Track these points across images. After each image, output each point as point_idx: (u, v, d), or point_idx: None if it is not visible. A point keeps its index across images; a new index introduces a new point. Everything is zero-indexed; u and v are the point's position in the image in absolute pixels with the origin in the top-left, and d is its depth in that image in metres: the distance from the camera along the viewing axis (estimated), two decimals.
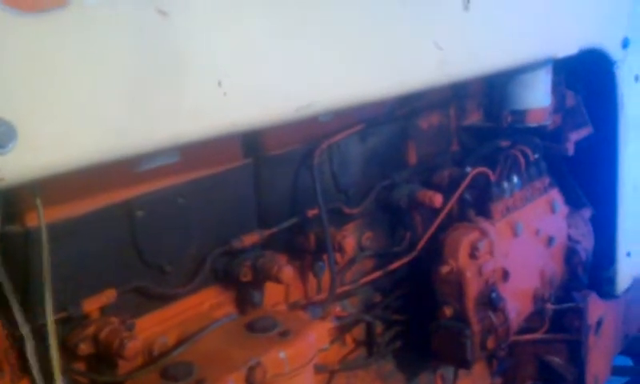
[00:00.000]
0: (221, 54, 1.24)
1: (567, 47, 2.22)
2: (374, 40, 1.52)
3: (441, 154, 2.32)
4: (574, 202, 2.66)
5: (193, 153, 1.53)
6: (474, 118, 2.45)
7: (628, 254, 2.78)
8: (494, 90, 2.39)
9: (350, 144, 1.96)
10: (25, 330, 1.26)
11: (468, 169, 2.17)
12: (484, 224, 2.06)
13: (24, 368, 1.31)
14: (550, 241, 2.35)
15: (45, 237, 1.23)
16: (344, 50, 1.46)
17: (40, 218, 1.22)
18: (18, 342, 1.29)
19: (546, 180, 2.41)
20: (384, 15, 1.54)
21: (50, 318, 1.26)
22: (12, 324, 1.28)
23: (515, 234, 2.17)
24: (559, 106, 2.59)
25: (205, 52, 1.22)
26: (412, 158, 2.23)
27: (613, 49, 2.51)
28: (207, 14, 1.22)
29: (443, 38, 1.70)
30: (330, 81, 1.46)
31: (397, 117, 2.13)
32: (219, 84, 1.24)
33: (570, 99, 2.66)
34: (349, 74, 1.49)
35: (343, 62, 1.47)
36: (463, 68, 1.79)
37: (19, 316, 1.25)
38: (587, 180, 2.71)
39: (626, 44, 2.56)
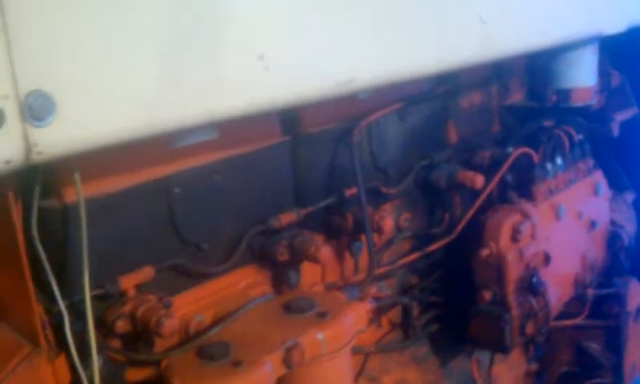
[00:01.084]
0: (262, 28, 1.20)
1: (615, 24, 2.14)
2: (415, 14, 1.47)
3: (482, 134, 2.26)
4: (617, 185, 2.58)
5: (230, 129, 1.50)
6: (517, 97, 2.38)
7: None
8: (537, 69, 2.32)
9: (388, 123, 1.92)
10: (62, 306, 1.24)
11: (510, 149, 2.10)
12: (526, 206, 2.00)
13: (60, 344, 1.30)
14: (592, 224, 2.29)
15: (83, 212, 1.21)
16: (385, 25, 1.41)
17: (78, 194, 1.20)
18: (54, 319, 1.28)
19: (590, 162, 2.33)
20: None
21: (88, 295, 1.24)
22: (49, 300, 1.27)
23: (557, 216, 2.11)
24: (604, 85, 2.51)
25: (246, 25, 1.18)
26: (452, 137, 2.17)
27: None
28: None
29: (487, 11, 1.64)
30: (371, 56, 1.41)
31: (437, 95, 2.07)
32: (260, 58, 1.21)
33: (616, 79, 2.58)
34: (390, 50, 1.44)
35: (384, 37, 1.42)
36: (508, 44, 1.73)
37: (57, 292, 1.24)
38: (631, 163, 2.63)
39: None
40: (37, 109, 0.92)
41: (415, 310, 2.08)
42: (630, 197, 2.61)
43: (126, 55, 1.02)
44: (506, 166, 2.04)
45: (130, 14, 1.02)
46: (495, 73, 2.31)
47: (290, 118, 1.67)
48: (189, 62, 1.11)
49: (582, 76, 2.20)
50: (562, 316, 2.33)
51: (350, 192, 1.80)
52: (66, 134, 0.97)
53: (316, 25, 1.28)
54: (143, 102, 1.07)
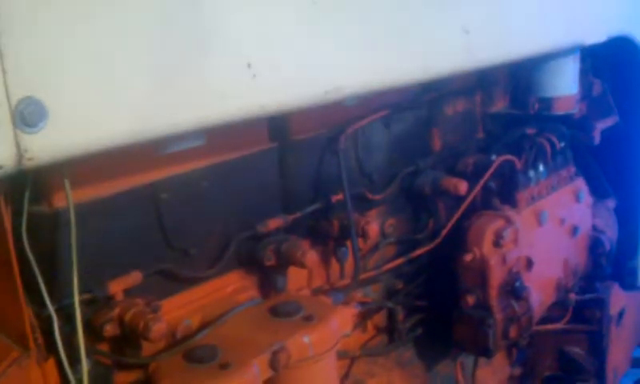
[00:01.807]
0: (250, 36, 1.23)
1: (596, 34, 2.18)
2: (402, 24, 1.50)
3: (466, 141, 2.30)
4: (598, 192, 2.63)
5: (218, 136, 1.52)
6: (500, 105, 2.42)
7: None
8: (520, 77, 2.36)
9: (374, 130, 1.95)
10: (51, 309, 1.26)
11: (493, 156, 2.14)
12: (509, 212, 2.04)
13: (49, 348, 1.31)
14: (574, 230, 2.33)
15: (72, 217, 1.23)
16: (372, 35, 1.44)
17: (68, 199, 1.22)
18: (44, 322, 1.29)
19: (572, 169, 2.38)
20: (414, 6, 1.52)
21: (77, 299, 1.26)
22: (38, 304, 1.28)
23: (540, 222, 2.15)
24: (586, 94, 2.56)
25: (234, 34, 1.21)
26: (437, 144, 2.20)
27: None
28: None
29: (471, 22, 1.67)
30: (358, 65, 1.44)
31: (422, 103, 2.11)
32: (248, 66, 1.23)
33: (597, 87, 2.63)
34: (376, 59, 1.47)
35: (371, 46, 1.45)
36: (491, 53, 1.77)
37: (46, 296, 1.25)
38: (612, 170, 2.68)
39: None
40: (28, 115, 0.94)
41: (400, 315, 2.11)
42: (611, 203, 2.65)
43: (116, 63, 1.04)
44: (489, 173, 2.07)
45: (121, 22, 1.04)
46: (479, 81, 2.35)
47: (277, 125, 1.69)
48: (178, 69, 1.13)
49: (564, 85, 2.24)
50: (544, 320, 2.36)
51: (336, 198, 1.82)
52: (57, 139, 0.98)
53: (303, 33, 1.31)
54: (133, 109, 1.09)
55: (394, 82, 1.54)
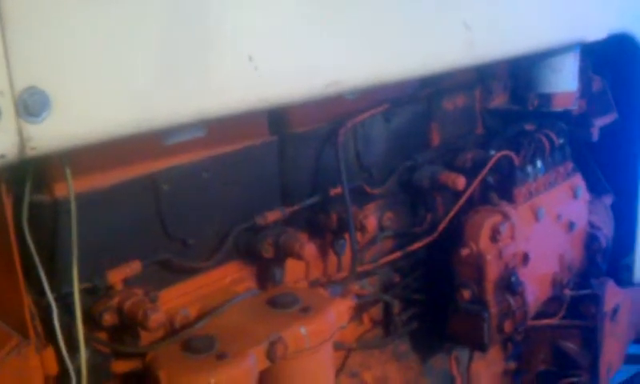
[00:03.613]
0: (252, 29, 1.23)
1: (596, 32, 2.19)
2: (402, 18, 1.51)
3: (465, 136, 2.30)
4: (595, 189, 2.63)
5: (219, 128, 1.53)
6: (500, 101, 2.42)
7: None
8: (520, 73, 2.36)
9: (374, 124, 1.95)
10: (51, 298, 1.27)
11: (492, 152, 2.15)
12: (506, 207, 2.05)
13: (49, 336, 1.32)
14: (570, 226, 2.34)
15: (73, 207, 1.23)
16: (372, 28, 1.45)
17: (69, 188, 1.23)
18: (43, 311, 1.30)
19: (570, 165, 2.38)
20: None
21: (76, 288, 1.27)
22: (38, 292, 1.29)
23: (537, 218, 2.16)
24: (585, 90, 2.56)
25: (236, 26, 1.21)
26: (435, 139, 2.21)
27: None
28: None
29: (472, 17, 1.67)
30: (359, 59, 1.45)
31: (421, 97, 2.12)
32: (250, 59, 1.24)
33: (597, 84, 2.63)
34: (376, 53, 1.48)
35: (371, 40, 1.45)
36: (492, 49, 1.77)
37: (46, 284, 1.26)
38: (610, 167, 2.68)
39: None
40: (32, 105, 0.94)
41: (396, 308, 2.12)
42: (608, 200, 2.66)
43: (120, 54, 1.05)
44: (487, 168, 2.08)
45: (125, 13, 1.05)
46: (479, 76, 2.35)
47: (277, 118, 1.70)
48: (181, 61, 1.14)
49: (564, 81, 2.24)
50: (539, 315, 2.37)
51: (334, 191, 1.83)
52: (60, 129, 0.99)
53: (304, 27, 1.32)
54: (136, 100, 1.10)
55: (393, 76, 1.55)
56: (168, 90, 1.13)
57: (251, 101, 1.27)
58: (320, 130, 1.80)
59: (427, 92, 2.12)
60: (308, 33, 1.32)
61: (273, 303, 1.58)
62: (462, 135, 2.29)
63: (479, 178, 2.08)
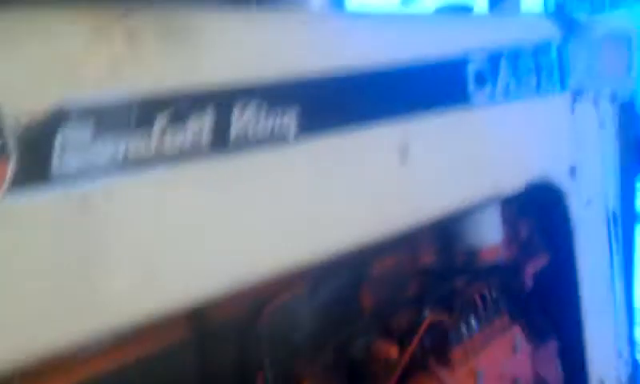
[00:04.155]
0: (148, 239, 1.22)
1: (513, 185, 2.24)
2: (307, 206, 1.52)
3: (397, 299, 2.27)
4: (539, 335, 2.60)
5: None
6: (430, 259, 2.42)
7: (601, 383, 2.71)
8: (446, 229, 2.38)
9: (299, 300, 1.91)
10: None
11: (425, 313, 2.12)
12: (443, 373, 1.99)
13: None
14: (515, 383, 2.28)
15: None
16: (278, 217, 1.45)
17: None
18: None
19: (506, 318, 2.36)
20: (316, 181, 1.54)
21: None
22: None
23: (476, 381, 2.10)
24: (513, 238, 2.59)
25: (130, 237, 1.19)
26: (367, 305, 2.17)
27: (561, 179, 2.54)
28: (131, 202, 1.20)
29: (380, 193, 1.70)
30: (265, 248, 1.44)
31: (349, 264, 2.10)
32: (146, 267, 1.21)
33: (525, 229, 2.67)
34: (284, 240, 1.47)
35: (279, 228, 1.45)
36: (401, 221, 1.79)
37: None
38: (550, 310, 2.67)
39: (573, 173, 2.60)
40: None
41: None
42: (552, 345, 2.63)
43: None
44: (419, 333, 2.04)
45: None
46: (408, 236, 2.36)
47: (193, 312, 1.65)
48: (71, 283, 1.11)
49: (487, 236, 2.27)
50: None
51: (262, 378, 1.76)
52: None
53: (204, 229, 1.31)
54: (25, 329, 1.05)
55: (302, 261, 1.53)
56: (59, 313, 1.10)
57: (150, 312, 1.23)
58: (239, 319, 1.75)
59: (355, 258, 2.11)
60: (208, 234, 1.31)
61: None
62: (394, 297, 2.26)
63: (412, 344, 2.03)
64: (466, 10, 2.98)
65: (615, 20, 3.32)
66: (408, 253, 2.36)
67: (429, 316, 2.07)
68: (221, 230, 1.34)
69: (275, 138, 1.44)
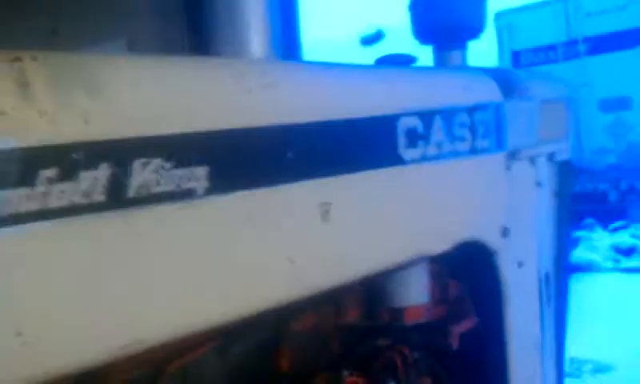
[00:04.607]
0: (21, 301, 1.12)
1: (440, 244, 2.19)
2: (216, 264, 1.44)
3: (317, 358, 2.19)
4: None
5: None
6: (352, 317, 2.35)
7: None
8: (372, 287, 2.32)
9: (207, 360, 1.82)
10: None
11: (345, 373, 2.05)
12: None
13: None
14: None
15: None
16: (176, 278, 1.36)
17: None
18: None
19: (428, 380, 2.30)
20: (227, 238, 1.46)
21: None
22: None
23: None
24: (442, 297, 2.54)
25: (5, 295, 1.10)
26: (285, 365, 2.09)
27: (492, 239, 2.51)
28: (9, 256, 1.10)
29: (298, 252, 1.63)
30: (162, 311, 1.35)
31: (265, 323, 2.01)
32: (19, 334, 1.11)
33: (454, 289, 2.62)
34: (184, 302, 1.39)
35: (176, 289, 1.37)
36: (320, 280, 1.72)
37: None
38: (477, 373, 2.62)
39: (505, 233, 2.57)
40: None
41: None
42: None
43: None
44: None
45: None
46: (331, 293, 2.29)
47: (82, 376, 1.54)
48: None
49: (413, 295, 2.22)
50: None
51: None
52: None
53: (86, 292, 1.21)
54: None
55: (206, 323, 1.45)
56: None
57: (19, 380, 1.13)
58: (138, 379, 1.64)
59: (273, 316, 2.02)
60: (91, 296, 1.22)
61: None
62: (314, 357, 2.18)
63: None
64: (409, 60, 2.97)
65: (555, 81, 3.37)
66: (330, 310, 2.29)
67: (346, 379, 1.99)
68: (111, 288, 1.24)
69: (183, 194, 1.36)
